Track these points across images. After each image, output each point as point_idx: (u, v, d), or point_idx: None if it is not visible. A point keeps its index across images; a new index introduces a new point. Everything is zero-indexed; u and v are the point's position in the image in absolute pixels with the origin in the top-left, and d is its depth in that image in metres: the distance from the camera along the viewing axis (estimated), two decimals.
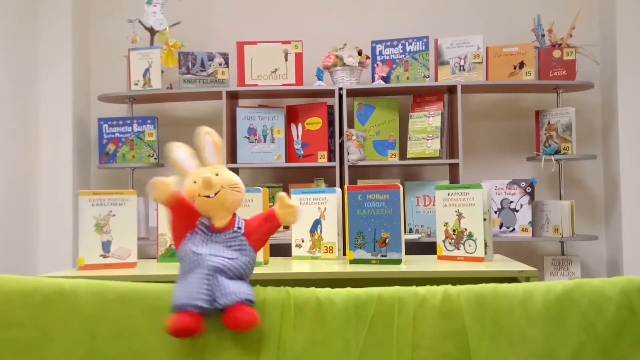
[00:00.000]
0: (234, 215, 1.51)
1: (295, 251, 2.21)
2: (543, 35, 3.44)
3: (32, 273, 3.34)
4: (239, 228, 1.49)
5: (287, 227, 2.12)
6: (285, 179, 3.66)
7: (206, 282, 1.38)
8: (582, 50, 3.42)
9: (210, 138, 1.52)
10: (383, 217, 1.97)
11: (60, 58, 3.57)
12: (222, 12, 3.83)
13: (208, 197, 1.46)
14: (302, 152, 3.46)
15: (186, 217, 1.48)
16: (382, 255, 1.97)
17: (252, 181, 3.72)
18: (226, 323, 1.36)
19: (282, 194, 1.50)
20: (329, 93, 3.44)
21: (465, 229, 2.03)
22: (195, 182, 1.47)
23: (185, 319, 1.33)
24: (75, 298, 1.44)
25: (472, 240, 2.02)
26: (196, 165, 1.52)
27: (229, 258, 1.43)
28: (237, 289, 1.38)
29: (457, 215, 2.05)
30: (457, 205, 2.06)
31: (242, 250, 1.46)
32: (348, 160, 3.32)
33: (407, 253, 2.02)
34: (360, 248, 2.00)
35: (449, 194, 2.08)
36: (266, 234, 1.52)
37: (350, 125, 3.43)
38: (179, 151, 1.52)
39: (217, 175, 1.49)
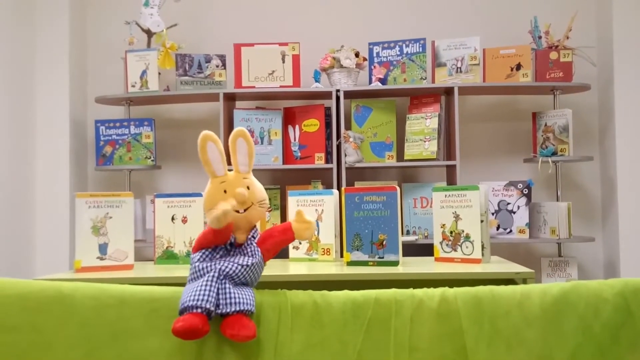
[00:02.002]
0: (252, 227, 1.52)
1: (292, 253, 2.21)
2: (540, 37, 3.45)
3: (29, 276, 3.33)
4: (253, 237, 1.50)
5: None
6: (282, 180, 3.66)
7: (215, 285, 1.39)
8: (579, 52, 3.42)
9: (245, 142, 1.49)
10: (380, 219, 1.97)
11: (58, 60, 3.57)
12: (219, 14, 3.83)
13: (238, 212, 1.46)
14: (299, 154, 3.46)
15: (223, 235, 1.47)
16: (379, 257, 1.97)
17: None
18: (225, 332, 1.36)
19: (301, 209, 1.52)
20: (326, 95, 3.44)
21: (463, 231, 2.03)
22: (225, 192, 1.47)
23: (193, 319, 1.33)
24: (73, 301, 1.44)
25: (469, 241, 2.02)
26: (225, 169, 1.50)
27: (239, 264, 1.44)
28: (241, 299, 1.39)
29: (454, 216, 2.05)
30: (454, 206, 2.06)
31: (253, 255, 1.47)
32: (345, 162, 3.32)
33: (404, 255, 2.02)
34: (358, 250, 2.00)
35: (446, 195, 2.08)
36: (278, 245, 1.53)
37: (348, 127, 3.43)
38: (211, 148, 1.47)
39: (248, 188, 1.48)
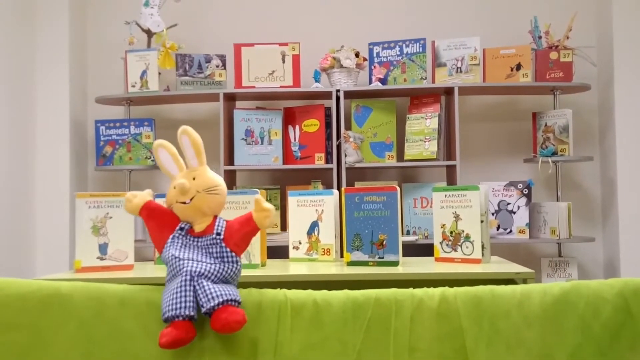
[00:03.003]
0: (214, 218, 1.49)
1: (292, 253, 2.21)
2: (540, 37, 3.45)
3: (29, 275, 3.33)
4: (218, 234, 1.46)
5: (284, 230, 2.11)
6: (282, 180, 3.66)
7: (190, 288, 1.37)
8: (579, 52, 3.42)
9: (188, 139, 1.50)
10: (380, 219, 1.97)
11: (58, 60, 3.57)
12: (219, 14, 3.83)
13: (184, 203, 1.46)
14: (299, 154, 3.46)
15: (162, 224, 1.49)
16: (379, 257, 1.97)
17: (250, 183, 3.72)
18: (214, 327, 1.34)
19: (258, 196, 1.48)
20: (326, 95, 3.44)
21: (463, 231, 2.03)
22: (174, 188, 1.48)
23: (175, 331, 1.32)
24: (72, 301, 1.44)
25: (469, 242, 2.02)
26: (180, 168, 1.51)
27: (210, 264, 1.42)
28: (221, 291, 1.36)
29: (454, 217, 2.05)
30: (455, 207, 2.06)
31: (223, 257, 1.44)
32: (345, 162, 3.32)
33: (404, 255, 2.02)
34: (358, 250, 2.00)
35: (446, 195, 2.08)
36: (245, 237, 1.48)
37: (348, 127, 3.43)
38: (162, 153, 1.52)
39: (194, 179, 1.47)
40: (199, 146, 1.50)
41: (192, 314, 1.34)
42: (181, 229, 1.47)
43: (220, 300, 1.34)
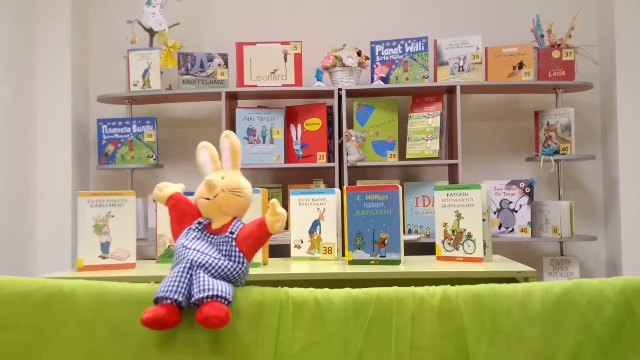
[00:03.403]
0: (233, 219, 1.52)
1: (294, 252, 2.21)
2: (542, 36, 3.44)
3: (31, 274, 3.33)
4: (232, 233, 1.49)
5: (286, 228, 2.11)
6: (284, 179, 3.66)
7: (186, 276, 1.39)
8: (581, 50, 3.42)
9: (228, 142, 1.58)
10: (382, 218, 1.97)
11: (60, 59, 3.57)
12: (221, 12, 3.83)
13: (208, 199, 1.51)
14: (301, 153, 3.46)
15: (184, 216, 1.54)
16: (381, 256, 1.97)
17: (252, 182, 3.65)
18: (197, 318, 1.34)
19: (274, 200, 1.50)
20: (328, 94, 3.44)
21: (464, 230, 2.03)
22: (204, 185, 1.54)
23: (161, 311, 1.34)
24: (74, 299, 1.44)
25: (471, 240, 2.02)
26: (215, 168, 1.58)
27: (215, 258, 1.44)
28: (214, 286, 1.37)
29: (456, 215, 2.05)
30: (456, 205, 2.06)
31: (231, 255, 1.46)
32: (347, 161, 3.32)
33: (406, 253, 2.02)
34: (359, 249, 2.00)
35: (448, 194, 2.08)
36: (257, 240, 1.50)
37: (350, 125, 3.43)
38: (203, 154, 1.59)
39: (223, 178, 1.53)
40: (236, 151, 1.58)
41: (179, 299, 1.36)
42: (199, 222, 1.52)
43: (210, 294, 1.35)
